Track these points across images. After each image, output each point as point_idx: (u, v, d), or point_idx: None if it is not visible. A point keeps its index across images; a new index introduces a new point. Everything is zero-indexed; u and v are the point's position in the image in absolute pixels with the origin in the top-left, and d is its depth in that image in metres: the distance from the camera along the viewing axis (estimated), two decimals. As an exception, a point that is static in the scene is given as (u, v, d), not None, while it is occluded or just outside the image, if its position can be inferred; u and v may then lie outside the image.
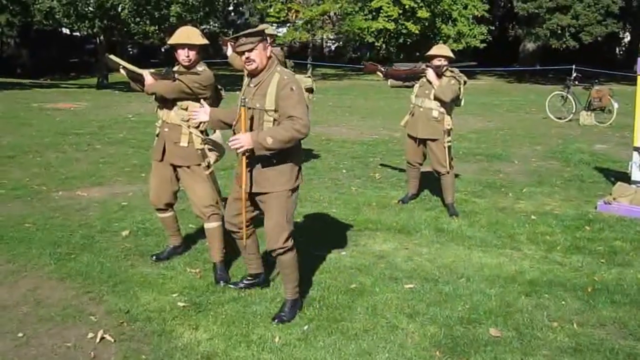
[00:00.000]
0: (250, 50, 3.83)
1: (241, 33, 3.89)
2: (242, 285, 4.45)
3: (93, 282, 4.48)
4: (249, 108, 3.87)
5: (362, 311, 4.14)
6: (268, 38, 7.44)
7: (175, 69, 4.57)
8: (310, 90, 4.18)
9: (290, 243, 4.00)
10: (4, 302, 4.16)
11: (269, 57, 3.93)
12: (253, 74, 3.95)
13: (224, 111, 4.28)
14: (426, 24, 30.64)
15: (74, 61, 39.54)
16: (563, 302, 4.36)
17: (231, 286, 4.46)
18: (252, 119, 3.89)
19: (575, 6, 26.59)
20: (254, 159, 3.87)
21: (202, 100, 4.37)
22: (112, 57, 4.71)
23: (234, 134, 3.94)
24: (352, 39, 33.62)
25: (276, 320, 3.94)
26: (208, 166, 4.65)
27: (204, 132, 4.65)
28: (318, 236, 5.62)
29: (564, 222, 6.27)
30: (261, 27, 3.84)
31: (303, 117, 3.77)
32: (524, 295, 4.48)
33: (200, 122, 4.49)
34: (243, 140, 3.76)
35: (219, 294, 4.35)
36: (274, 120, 3.84)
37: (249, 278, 4.48)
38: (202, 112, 4.24)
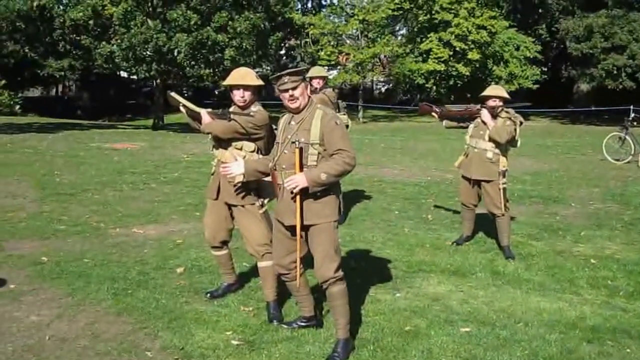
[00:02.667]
0: (293, 89, 3.95)
1: (284, 72, 4.00)
2: (295, 326, 4.43)
3: (149, 318, 4.54)
4: (293, 142, 3.95)
5: (417, 354, 4.05)
6: (320, 79, 7.61)
7: (231, 109, 4.67)
8: (345, 127, 4.34)
9: (340, 273, 4.01)
10: (64, 334, 4.25)
11: (309, 96, 4.07)
12: (295, 112, 4.04)
13: (259, 161, 4.40)
14: (477, 65, 30.61)
15: (131, 103, 40.93)
16: (628, 350, 4.18)
17: (284, 326, 4.44)
18: (296, 153, 3.95)
19: (631, 46, 26.16)
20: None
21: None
22: (173, 94, 4.84)
23: (274, 171, 4.09)
24: (402, 81, 33.81)
25: None
26: (262, 205, 4.69)
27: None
28: (371, 277, 5.57)
29: (626, 267, 6.05)
30: (302, 67, 4.01)
31: (350, 150, 3.89)
32: (585, 341, 4.32)
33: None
34: (298, 179, 3.85)
35: (272, 333, 4.33)
36: (319, 153, 3.92)
37: (303, 320, 4.45)
38: (236, 165, 4.33)
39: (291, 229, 4.08)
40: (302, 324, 4.43)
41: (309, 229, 4.03)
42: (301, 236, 4.07)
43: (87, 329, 4.34)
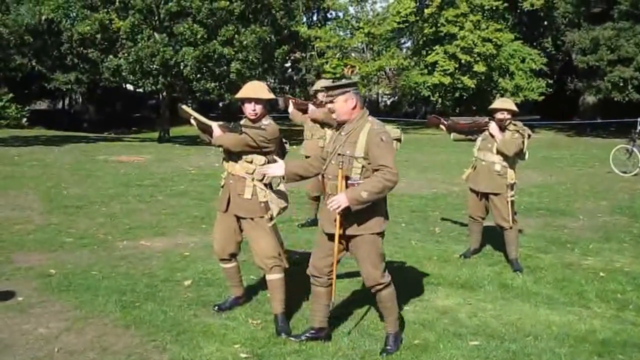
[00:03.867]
0: (331, 102, 4.11)
1: (335, 84, 4.15)
2: (303, 338, 4.42)
3: (157, 331, 4.53)
4: (339, 154, 4.07)
5: (426, 368, 4.04)
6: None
7: (242, 122, 4.68)
8: (398, 139, 4.39)
9: (388, 279, 4.23)
10: (72, 347, 4.25)
11: (361, 107, 4.18)
12: (343, 123, 4.16)
13: (299, 164, 4.49)
14: (483, 78, 30.64)
15: (137, 116, 41.10)
16: (639, 364, 4.15)
17: (292, 339, 4.42)
18: (339, 174, 4.07)
19: (637, 58, 26.12)
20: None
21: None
22: (184, 107, 4.86)
23: (322, 180, 4.26)
24: (408, 94, 33.86)
25: (384, 354, 4.13)
26: (271, 218, 4.69)
27: (268, 185, 4.71)
28: (379, 290, 5.54)
29: (635, 280, 6.02)
30: (353, 80, 4.13)
31: (392, 167, 4.00)
32: (596, 355, 4.30)
33: (266, 176, 4.61)
34: (341, 199, 3.96)
35: (280, 346, 4.32)
36: (363, 167, 4.03)
37: (311, 331, 4.44)
38: (277, 166, 4.39)
39: (331, 236, 4.19)
40: (311, 335, 4.42)
41: (351, 239, 4.16)
42: (342, 244, 4.20)
43: (96, 342, 4.34)
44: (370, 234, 4.11)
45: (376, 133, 4.02)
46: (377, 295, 4.26)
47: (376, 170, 4.00)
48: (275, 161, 4.46)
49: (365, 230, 4.10)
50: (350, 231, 4.11)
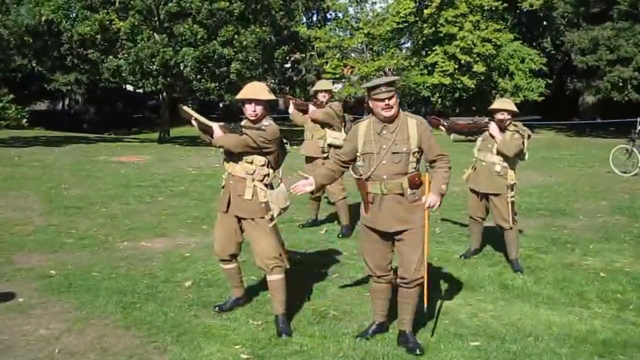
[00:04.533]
0: (390, 98, 4.15)
1: (382, 82, 4.18)
2: (370, 333, 4.49)
3: (157, 332, 4.53)
4: (394, 153, 4.15)
5: (427, 368, 4.04)
6: (326, 93, 7.62)
7: (243, 123, 4.68)
8: None
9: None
10: (73, 348, 4.25)
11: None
12: (389, 121, 4.22)
13: (323, 174, 4.58)
14: (482, 78, 30.65)
15: (136, 116, 41.10)
16: (640, 365, 4.15)
17: (359, 338, 4.42)
18: (426, 177, 4.23)
19: (637, 58, 26.13)
20: (398, 199, 4.21)
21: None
22: (185, 108, 4.86)
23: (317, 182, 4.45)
24: (408, 94, 33.86)
25: (416, 352, 4.19)
26: (271, 219, 4.70)
27: (269, 186, 4.72)
28: (379, 290, 5.55)
29: (635, 280, 6.02)
30: (397, 77, 4.15)
31: (446, 153, 4.27)
32: (596, 356, 4.30)
33: (265, 176, 4.65)
34: (434, 200, 4.17)
35: (281, 347, 4.32)
36: (417, 160, 4.23)
37: (375, 326, 4.53)
38: (306, 184, 4.47)
39: (387, 235, 4.29)
40: (376, 329, 4.52)
41: (402, 233, 4.26)
42: (400, 239, 4.29)
43: (96, 343, 4.34)
44: (420, 227, 4.26)
45: (425, 126, 4.20)
46: (409, 292, 4.32)
47: (434, 160, 4.24)
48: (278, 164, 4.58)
49: (415, 222, 4.24)
50: (403, 225, 4.22)
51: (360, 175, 4.30)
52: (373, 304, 4.60)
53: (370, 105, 4.26)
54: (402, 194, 4.22)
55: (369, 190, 4.26)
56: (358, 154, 4.34)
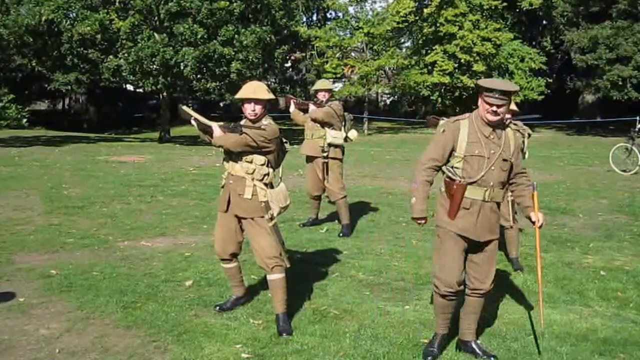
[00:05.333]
0: (499, 106, 3.90)
1: (497, 88, 3.90)
2: (436, 346, 4.27)
3: (158, 331, 4.54)
4: (504, 160, 4.02)
5: (428, 367, 4.04)
6: (326, 92, 7.62)
7: (242, 122, 4.69)
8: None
9: None
10: (74, 348, 4.25)
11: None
12: (490, 124, 4.01)
13: (424, 191, 4.24)
14: (482, 77, 30.64)
15: (137, 116, 41.11)
16: (640, 363, 4.16)
17: (429, 357, 4.19)
18: (535, 195, 4.19)
19: (636, 57, 26.12)
20: (494, 208, 4.10)
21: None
22: (184, 108, 4.86)
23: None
24: (408, 93, 33.84)
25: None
26: (271, 218, 4.70)
27: (268, 185, 4.72)
28: (381, 289, 5.57)
29: (635, 278, 6.03)
30: (515, 88, 3.95)
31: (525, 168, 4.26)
32: (597, 354, 4.30)
33: (265, 175, 4.63)
34: (542, 218, 4.24)
35: (282, 346, 4.33)
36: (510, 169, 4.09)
37: (440, 340, 4.34)
38: (422, 216, 4.26)
39: (472, 245, 4.14)
40: (440, 342, 4.30)
41: (488, 244, 4.16)
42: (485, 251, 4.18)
43: (97, 343, 4.35)
44: (497, 238, 4.19)
45: (519, 136, 4.14)
46: (482, 301, 4.24)
47: (518, 174, 4.16)
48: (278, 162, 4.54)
49: (497, 234, 4.20)
50: (491, 235, 4.13)
51: (461, 178, 4.04)
52: (439, 318, 4.26)
53: (479, 102, 4.00)
54: (499, 204, 4.11)
55: (468, 195, 4.02)
56: (457, 154, 4.03)
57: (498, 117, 3.94)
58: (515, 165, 4.10)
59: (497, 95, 3.87)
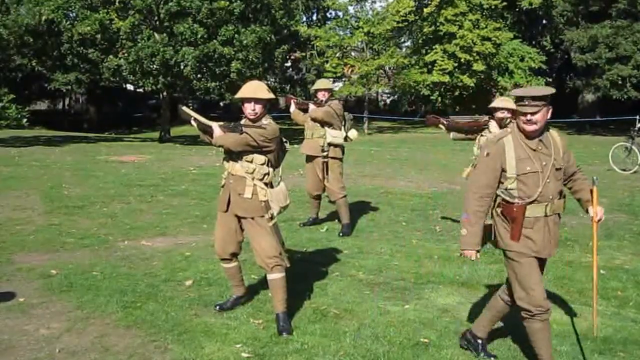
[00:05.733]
0: (533, 114, 3.67)
1: (526, 94, 3.71)
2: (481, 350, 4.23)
3: (158, 331, 4.54)
4: (557, 169, 3.81)
5: (428, 366, 4.04)
6: (326, 92, 7.61)
7: (242, 122, 4.69)
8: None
9: None
10: (74, 348, 4.25)
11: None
12: (531, 136, 3.77)
13: (480, 217, 3.92)
14: (482, 76, 30.66)
15: (137, 116, 41.12)
16: (640, 362, 4.16)
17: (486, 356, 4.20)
18: (594, 190, 4.05)
19: (636, 56, 26.13)
20: (556, 220, 3.97)
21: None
22: (184, 108, 4.86)
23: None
24: (408, 92, 33.85)
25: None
26: (271, 217, 4.70)
27: (268, 185, 4.72)
28: (381, 289, 5.57)
29: (635, 277, 6.03)
30: (548, 91, 3.70)
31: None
32: (597, 353, 4.30)
33: (265, 175, 4.64)
34: (601, 212, 4.10)
35: (282, 345, 4.33)
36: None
37: (485, 342, 4.31)
38: (474, 249, 3.95)
39: (542, 263, 3.99)
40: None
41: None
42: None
43: (97, 342, 4.35)
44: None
45: (563, 138, 3.87)
46: (508, 308, 4.15)
47: (574, 172, 4.01)
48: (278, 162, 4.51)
49: (558, 245, 4.04)
50: (557, 249, 4.04)
51: (519, 199, 3.77)
52: (542, 349, 3.91)
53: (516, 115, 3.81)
54: (559, 215, 3.93)
55: (529, 214, 3.78)
56: (509, 175, 3.76)
57: (535, 126, 3.69)
58: (569, 166, 3.94)
59: (527, 102, 3.66)
